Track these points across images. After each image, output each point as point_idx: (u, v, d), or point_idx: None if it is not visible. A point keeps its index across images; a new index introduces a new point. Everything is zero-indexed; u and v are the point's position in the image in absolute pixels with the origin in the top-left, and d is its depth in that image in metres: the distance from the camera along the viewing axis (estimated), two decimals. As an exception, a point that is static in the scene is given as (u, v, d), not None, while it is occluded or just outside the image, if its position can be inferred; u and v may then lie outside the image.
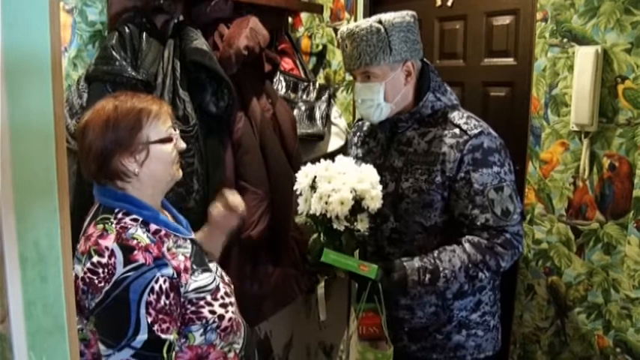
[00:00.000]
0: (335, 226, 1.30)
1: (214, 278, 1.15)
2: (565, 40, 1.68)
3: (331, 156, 2.20)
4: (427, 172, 1.39)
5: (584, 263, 1.71)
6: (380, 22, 1.36)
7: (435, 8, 2.05)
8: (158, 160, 1.10)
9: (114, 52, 1.55)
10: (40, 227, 0.57)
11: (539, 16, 1.74)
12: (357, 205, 1.29)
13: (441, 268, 1.34)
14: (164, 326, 1.01)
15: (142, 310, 0.98)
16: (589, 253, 1.70)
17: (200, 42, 1.69)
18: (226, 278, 1.25)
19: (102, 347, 0.99)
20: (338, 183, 1.29)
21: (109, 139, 1.06)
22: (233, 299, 1.19)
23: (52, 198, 0.58)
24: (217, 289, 1.15)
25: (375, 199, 1.30)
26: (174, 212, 1.24)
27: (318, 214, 1.30)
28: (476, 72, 1.98)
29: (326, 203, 1.28)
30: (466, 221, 1.37)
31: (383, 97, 1.40)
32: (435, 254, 1.37)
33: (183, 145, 1.16)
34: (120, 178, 1.08)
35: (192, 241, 1.18)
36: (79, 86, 1.57)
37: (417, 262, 1.35)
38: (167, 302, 1.02)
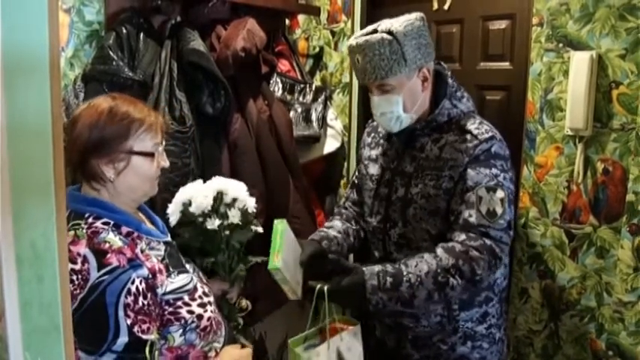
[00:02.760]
0: (209, 225, 1.27)
1: (191, 279, 1.15)
2: (560, 45, 1.69)
3: (327, 158, 2.23)
4: (436, 177, 1.36)
5: (578, 267, 1.72)
6: (390, 32, 1.30)
7: (431, 12, 2.06)
8: (136, 173, 1.09)
9: (111, 52, 1.55)
10: (37, 228, 0.57)
11: (535, 20, 1.75)
12: (220, 201, 1.30)
13: (404, 272, 1.26)
14: (144, 327, 1.00)
15: (121, 313, 0.97)
16: (582, 256, 1.71)
17: (197, 43, 1.69)
18: (204, 278, 1.24)
19: (82, 355, 0.97)
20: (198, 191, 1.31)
21: (94, 138, 1.05)
22: (212, 298, 1.19)
23: (49, 198, 0.57)
24: (195, 289, 1.14)
25: (235, 191, 1.30)
26: (150, 213, 1.23)
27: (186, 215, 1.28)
28: (472, 76, 1.98)
29: (189, 204, 1.28)
30: (452, 217, 1.34)
31: (402, 108, 1.36)
32: (403, 260, 1.31)
33: (166, 163, 1.15)
34: (95, 180, 1.08)
35: (167, 243, 1.17)
36: (75, 86, 1.57)
37: (377, 267, 1.28)
38: (145, 302, 1.01)
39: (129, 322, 0.98)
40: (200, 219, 1.28)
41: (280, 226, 1.31)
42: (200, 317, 1.12)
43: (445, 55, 2.06)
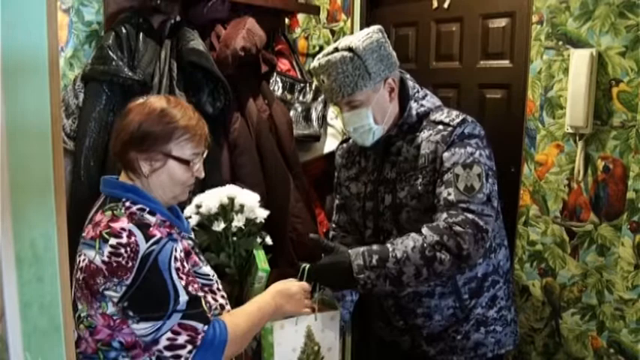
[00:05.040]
0: (214, 227, 1.40)
1: (214, 273, 1.21)
2: (560, 42, 1.69)
3: (327, 157, 2.22)
4: (421, 175, 1.37)
5: (579, 264, 1.72)
6: (350, 49, 1.32)
7: (431, 10, 2.06)
8: (169, 175, 1.13)
9: (110, 52, 1.55)
10: (37, 228, 0.57)
11: (534, 18, 1.75)
12: (231, 206, 1.43)
13: (390, 249, 1.25)
14: (195, 286, 1.09)
15: (175, 276, 1.04)
16: (583, 254, 1.71)
17: (197, 42, 1.69)
18: (220, 285, 1.27)
19: (144, 325, 1.02)
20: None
21: (139, 133, 1.10)
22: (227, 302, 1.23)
23: (48, 199, 0.57)
24: (217, 283, 1.20)
25: (243, 198, 1.42)
26: (179, 213, 1.27)
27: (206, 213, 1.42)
28: (472, 74, 1.98)
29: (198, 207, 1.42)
30: (435, 200, 1.34)
31: (373, 120, 1.38)
32: (389, 240, 1.32)
33: (201, 174, 1.19)
34: (131, 170, 1.13)
35: (191, 239, 1.22)
36: (75, 86, 1.57)
37: (362, 247, 1.28)
38: (188, 267, 1.10)
39: (183, 283, 1.05)
40: (206, 221, 1.36)
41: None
42: (223, 308, 1.17)
43: (445, 54, 2.06)
